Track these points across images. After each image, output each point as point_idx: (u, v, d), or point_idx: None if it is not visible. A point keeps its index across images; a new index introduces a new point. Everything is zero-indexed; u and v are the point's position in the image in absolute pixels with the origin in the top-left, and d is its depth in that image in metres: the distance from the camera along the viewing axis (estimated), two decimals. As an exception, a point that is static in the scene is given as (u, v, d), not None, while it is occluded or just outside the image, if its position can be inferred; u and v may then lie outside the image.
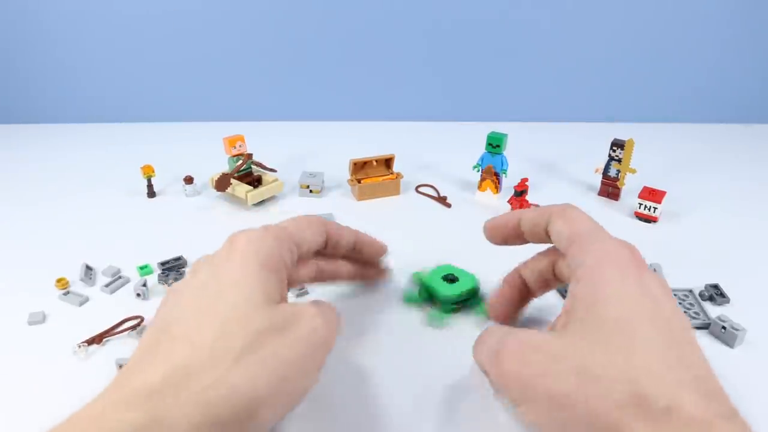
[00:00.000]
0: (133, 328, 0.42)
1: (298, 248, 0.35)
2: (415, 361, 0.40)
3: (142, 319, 0.42)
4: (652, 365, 0.25)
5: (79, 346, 0.39)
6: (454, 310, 0.44)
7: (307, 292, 0.47)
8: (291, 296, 0.47)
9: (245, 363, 0.27)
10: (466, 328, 0.43)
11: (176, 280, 0.47)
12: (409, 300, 0.46)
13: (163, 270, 0.49)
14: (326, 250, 0.39)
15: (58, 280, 0.47)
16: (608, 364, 0.26)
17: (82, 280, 0.47)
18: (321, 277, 0.41)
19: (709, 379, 0.26)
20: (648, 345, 0.26)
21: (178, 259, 0.50)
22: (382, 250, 0.45)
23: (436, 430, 0.34)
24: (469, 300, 0.44)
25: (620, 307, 0.27)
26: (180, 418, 0.24)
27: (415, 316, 0.44)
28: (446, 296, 0.43)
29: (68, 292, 0.46)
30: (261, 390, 0.27)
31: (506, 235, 0.39)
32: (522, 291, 0.39)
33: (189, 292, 0.30)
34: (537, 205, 0.60)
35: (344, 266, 0.42)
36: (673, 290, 0.46)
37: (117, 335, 0.41)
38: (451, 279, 0.45)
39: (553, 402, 0.26)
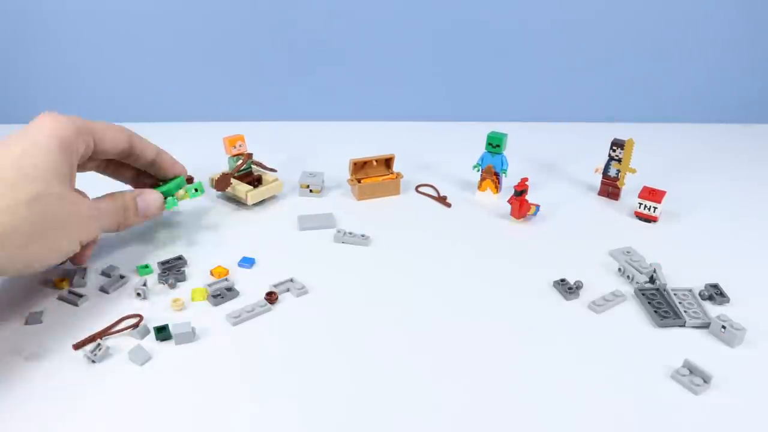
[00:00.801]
0: (134, 326, 0.42)
1: (96, 144, 0.46)
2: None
3: (141, 318, 0.42)
4: None
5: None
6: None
7: (306, 292, 0.47)
8: (291, 296, 0.47)
9: (32, 206, 0.38)
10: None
11: (176, 279, 0.47)
12: None
13: (163, 269, 0.49)
14: (129, 159, 0.51)
15: (59, 280, 0.47)
16: None
17: (74, 279, 0.47)
18: (106, 170, 0.53)
19: None
20: None
21: (179, 258, 0.50)
22: (180, 170, 0.55)
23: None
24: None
25: None
26: None
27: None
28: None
29: (68, 292, 0.46)
30: (34, 226, 0.38)
31: None
32: None
33: None
34: (537, 205, 0.60)
35: (128, 171, 0.54)
36: (673, 290, 0.47)
37: (117, 335, 0.41)
38: None
39: None
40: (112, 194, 0.48)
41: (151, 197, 0.51)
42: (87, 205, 0.44)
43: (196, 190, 0.57)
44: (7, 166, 0.38)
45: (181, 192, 0.56)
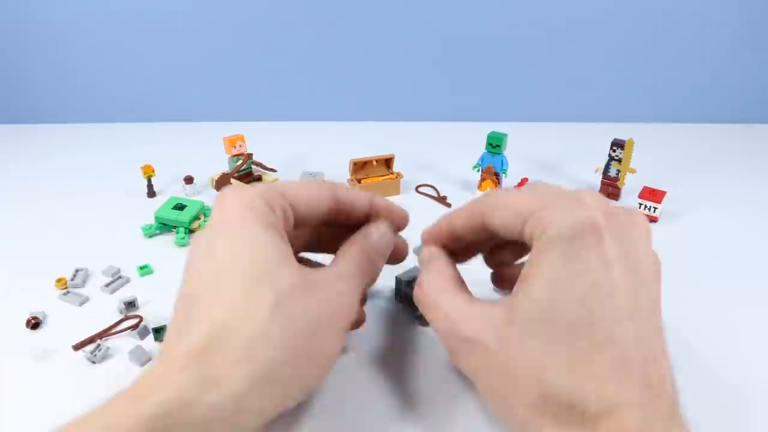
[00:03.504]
0: (134, 327, 0.42)
1: (293, 210, 0.32)
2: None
3: (141, 319, 0.42)
4: (562, 358, 0.24)
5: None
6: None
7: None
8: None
9: (278, 317, 0.27)
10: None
11: None
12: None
13: None
14: (338, 218, 0.35)
15: (58, 280, 0.47)
16: (523, 360, 0.26)
17: (73, 280, 0.47)
18: (321, 247, 0.39)
19: (632, 360, 0.24)
20: (563, 336, 0.25)
21: None
22: (402, 219, 0.39)
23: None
24: None
25: (546, 292, 0.26)
26: (231, 376, 0.25)
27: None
28: None
29: (68, 292, 0.46)
30: (296, 342, 0.27)
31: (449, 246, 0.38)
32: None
33: (204, 260, 0.29)
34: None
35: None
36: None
37: (117, 335, 0.41)
38: None
39: (486, 393, 0.29)
40: (348, 247, 0.35)
41: (382, 228, 0.37)
42: (332, 278, 0.31)
43: None
44: (229, 280, 0.27)
45: (195, 224, 0.55)
